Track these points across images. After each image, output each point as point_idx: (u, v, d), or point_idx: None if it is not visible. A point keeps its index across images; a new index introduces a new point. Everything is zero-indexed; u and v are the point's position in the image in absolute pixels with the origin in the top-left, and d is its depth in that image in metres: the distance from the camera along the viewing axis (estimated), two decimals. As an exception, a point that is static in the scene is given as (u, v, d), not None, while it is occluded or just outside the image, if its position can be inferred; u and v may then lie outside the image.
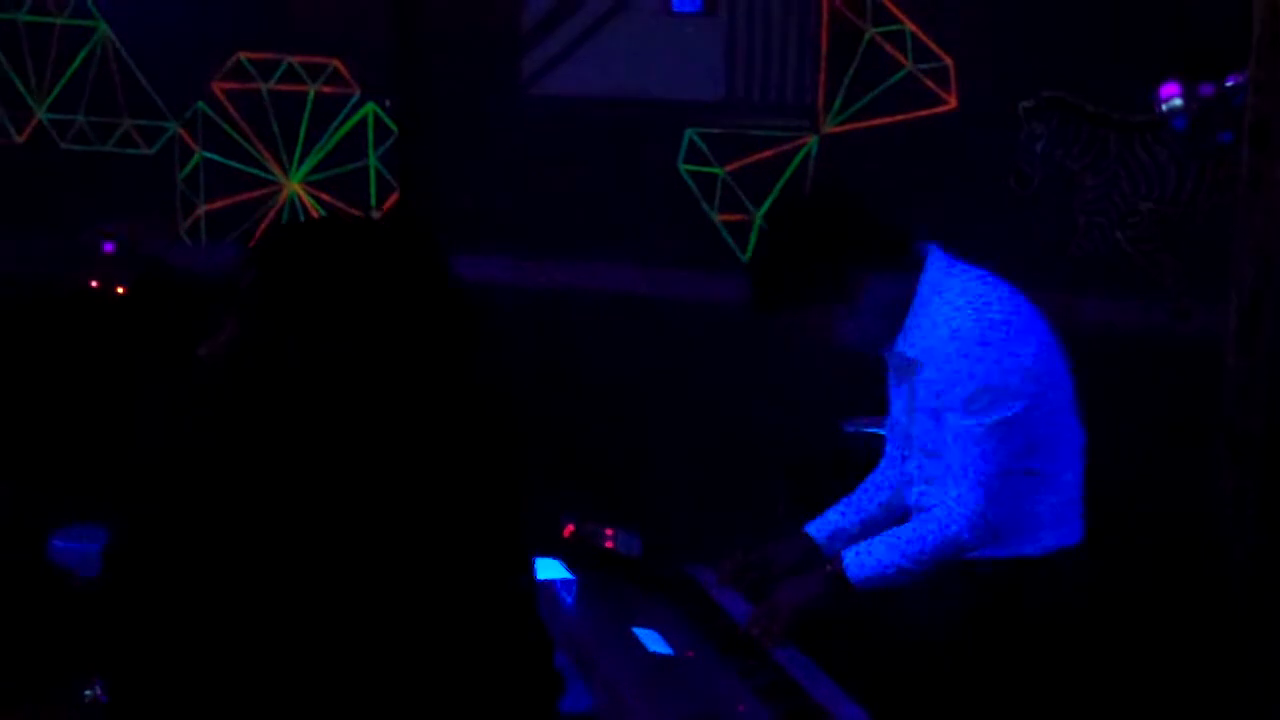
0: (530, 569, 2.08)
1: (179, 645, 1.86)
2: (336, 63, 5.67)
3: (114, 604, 1.92)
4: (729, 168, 5.41)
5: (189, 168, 5.83)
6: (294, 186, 5.73)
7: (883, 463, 3.49)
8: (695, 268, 5.40)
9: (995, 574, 3.18)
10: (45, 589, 3.92)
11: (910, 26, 5.04)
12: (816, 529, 3.45)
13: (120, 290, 5.24)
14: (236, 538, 1.85)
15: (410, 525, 1.91)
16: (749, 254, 5.29)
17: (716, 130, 5.42)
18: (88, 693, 3.28)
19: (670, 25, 5.49)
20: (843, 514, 3.46)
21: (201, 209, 5.84)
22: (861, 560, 3.13)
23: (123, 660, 1.93)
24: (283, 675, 1.83)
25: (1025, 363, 3.08)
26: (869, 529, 3.35)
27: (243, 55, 5.71)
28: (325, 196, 5.69)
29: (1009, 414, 3.05)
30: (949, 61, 4.99)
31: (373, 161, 5.69)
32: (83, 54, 5.86)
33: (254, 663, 1.83)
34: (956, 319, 3.09)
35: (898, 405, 3.36)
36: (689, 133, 5.43)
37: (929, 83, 5.02)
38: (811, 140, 5.32)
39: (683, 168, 5.44)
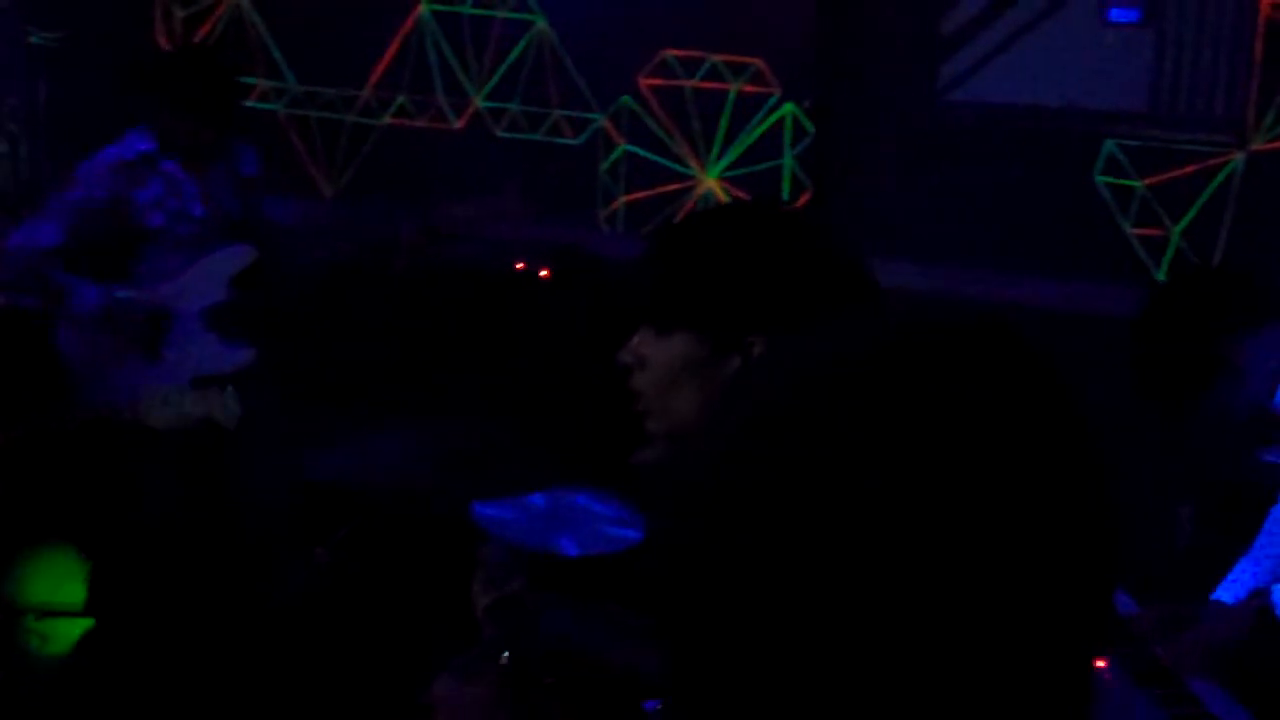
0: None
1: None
2: (759, 62, 5.82)
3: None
4: (1148, 181, 5.31)
5: (611, 159, 6.08)
6: (710, 182, 5.90)
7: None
8: (1104, 281, 5.31)
9: None
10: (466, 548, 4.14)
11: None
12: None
13: (544, 273, 5.51)
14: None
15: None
16: (1162, 271, 5.18)
17: (1137, 142, 5.32)
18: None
19: (1101, 34, 5.42)
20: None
21: (621, 199, 6.08)
22: None
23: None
24: None
25: None
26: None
27: (669, 52, 5.92)
28: (740, 193, 5.85)
29: None
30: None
31: (788, 160, 5.81)
32: (520, 46, 6.18)
33: None
34: None
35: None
36: (1108, 144, 5.34)
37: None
38: (1237, 157, 5.17)
39: (1099, 179, 5.36)
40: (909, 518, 0.86)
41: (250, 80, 6.49)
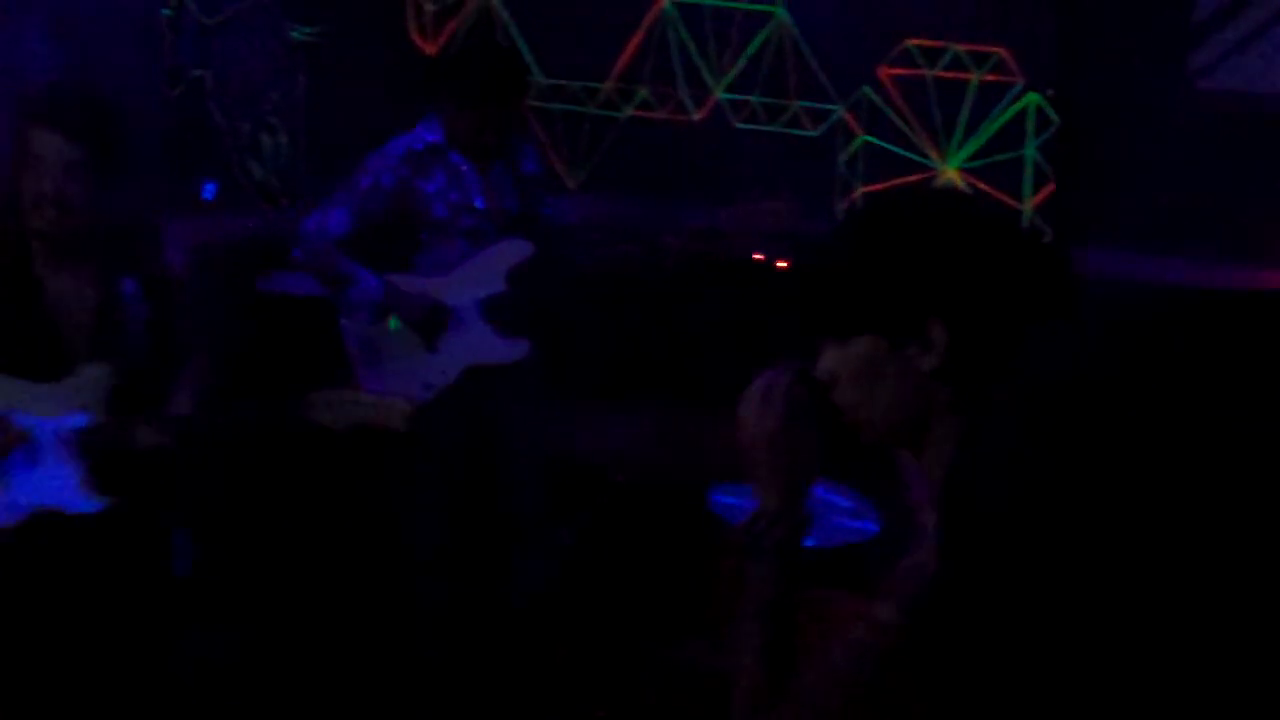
0: None
1: None
2: (1002, 51, 5.74)
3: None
4: None
5: (850, 150, 6.08)
6: (950, 173, 5.85)
7: None
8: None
9: None
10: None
11: None
12: None
13: (781, 264, 5.53)
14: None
15: None
16: None
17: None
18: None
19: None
20: None
21: (858, 190, 6.07)
22: None
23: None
24: None
25: None
26: None
27: (911, 42, 5.88)
28: (980, 184, 5.79)
29: None
30: None
31: (1030, 152, 5.72)
32: (760, 38, 6.21)
33: None
34: None
35: None
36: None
37: None
38: None
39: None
40: None
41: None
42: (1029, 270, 1.88)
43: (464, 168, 4.52)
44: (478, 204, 4.54)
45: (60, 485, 3.62)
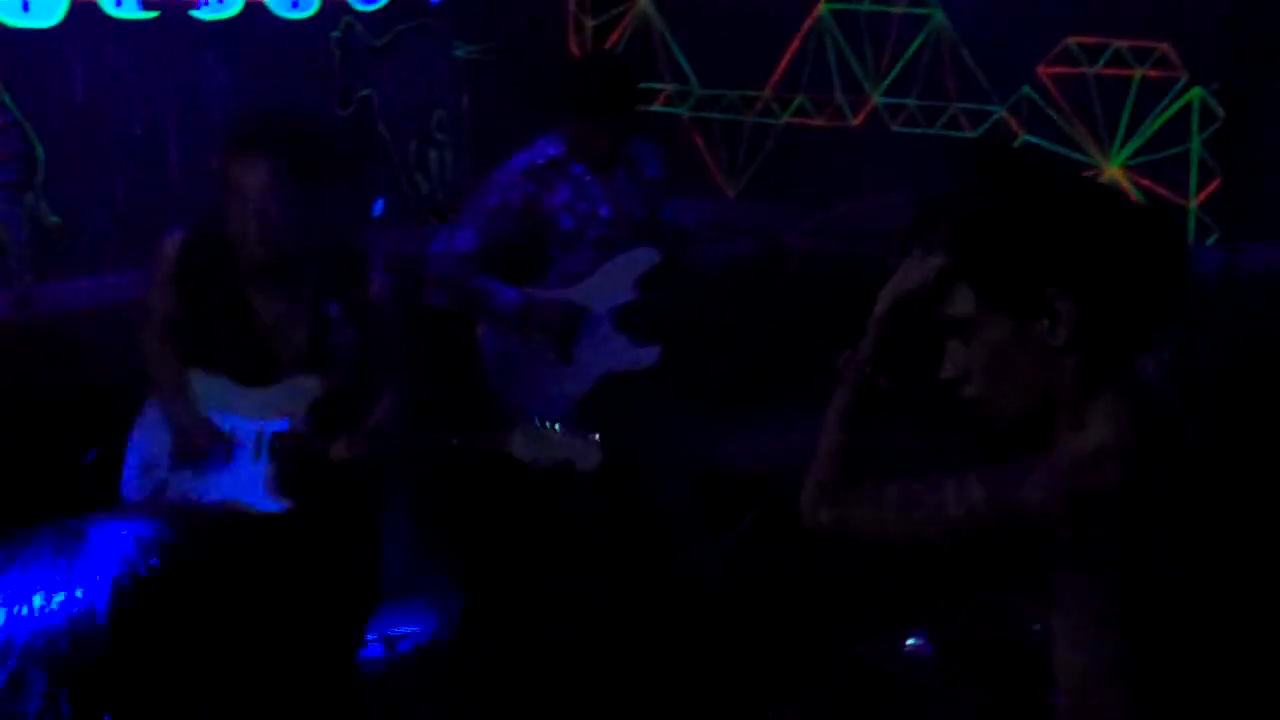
0: None
1: None
2: (1164, 46, 5.66)
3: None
4: None
5: (1010, 150, 6.04)
6: (1113, 171, 5.79)
7: None
8: None
9: None
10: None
11: None
12: None
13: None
14: None
15: None
16: None
17: None
18: (910, 642, 3.55)
19: None
20: None
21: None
22: None
23: None
24: None
25: None
26: None
27: (1072, 40, 5.83)
28: (1144, 182, 5.71)
29: None
30: None
31: (1195, 147, 5.63)
32: (918, 40, 6.20)
33: None
34: None
35: None
36: None
37: None
38: None
39: None
40: None
41: (656, 85, 6.74)
42: (1145, 239, 1.92)
43: (586, 178, 4.59)
44: (603, 213, 4.61)
45: (251, 484, 3.84)
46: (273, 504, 3.82)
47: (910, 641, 3.59)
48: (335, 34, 6.34)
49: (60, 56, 5.53)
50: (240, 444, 3.87)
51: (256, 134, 3.61)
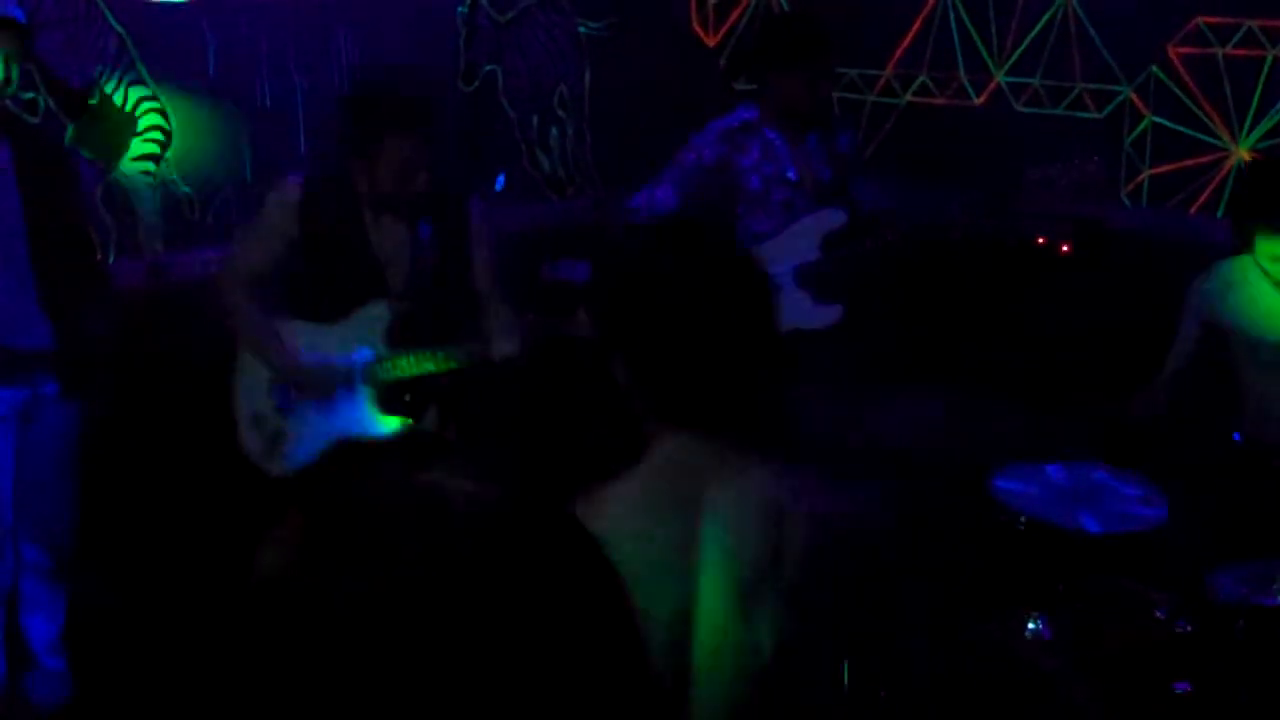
0: None
1: None
2: (1299, 27, 5.56)
3: None
4: None
5: (1137, 131, 5.95)
6: (1241, 153, 5.69)
7: None
8: None
9: None
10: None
11: None
12: None
13: (1065, 248, 5.46)
14: None
15: None
16: None
17: None
18: (1031, 626, 3.56)
19: None
20: None
21: (1145, 173, 5.94)
22: None
23: None
24: None
25: None
26: None
27: (1202, 19, 5.73)
28: (1275, 164, 5.60)
29: None
30: None
31: (1328, 130, 5.53)
32: (1044, 19, 6.13)
33: None
34: None
35: None
36: None
37: None
38: None
39: None
40: None
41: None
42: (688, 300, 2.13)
43: (777, 141, 4.75)
44: (790, 175, 4.75)
45: (363, 414, 4.15)
46: (380, 428, 4.15)
47: (1031, 625, 3.59)
48: (462, 10, 6.40)
49: (193, 30, 5.65)
50: (344, 377, 4.14)
51: (416, 113, 3.97)
